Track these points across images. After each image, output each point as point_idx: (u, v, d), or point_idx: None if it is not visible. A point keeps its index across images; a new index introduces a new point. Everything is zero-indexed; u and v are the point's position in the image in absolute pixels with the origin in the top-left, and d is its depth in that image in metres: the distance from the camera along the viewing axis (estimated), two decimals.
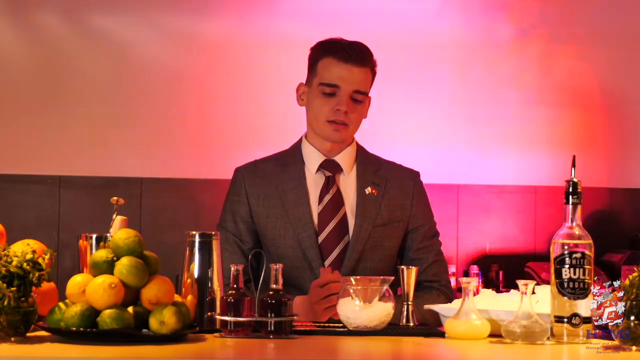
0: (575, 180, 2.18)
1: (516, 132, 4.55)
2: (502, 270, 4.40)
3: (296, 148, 2.90)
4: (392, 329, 2.30)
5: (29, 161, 4.30)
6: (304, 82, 2.89)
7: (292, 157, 2.89)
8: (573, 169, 2.21)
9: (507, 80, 4.54)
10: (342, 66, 2.79)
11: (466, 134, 4.52)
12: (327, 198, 2.82)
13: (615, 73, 4.60)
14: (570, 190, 2.18)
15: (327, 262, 2.76)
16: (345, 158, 2.86)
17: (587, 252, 2.15)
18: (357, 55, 2.80)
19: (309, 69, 2.87)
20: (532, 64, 4.56)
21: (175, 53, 4.37)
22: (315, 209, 2.81)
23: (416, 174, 2.95)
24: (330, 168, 2.85)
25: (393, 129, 4.31)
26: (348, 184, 2.85)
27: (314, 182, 2.84)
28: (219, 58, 4.40)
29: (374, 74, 2.85)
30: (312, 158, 2.86)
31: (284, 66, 4.33)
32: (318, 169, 2.85)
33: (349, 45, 2.83)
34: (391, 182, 2.88)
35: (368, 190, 2.84)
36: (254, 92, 4.39)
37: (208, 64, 4.39)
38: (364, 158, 2.91)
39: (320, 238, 2.78)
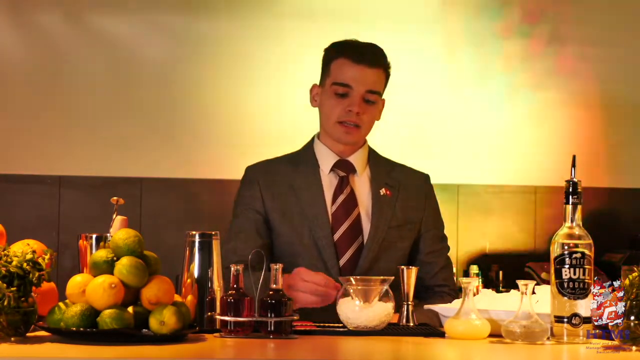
0: (575, 180, 2.18)
1: (516, 132, 4.55)
2: (502, 270, 4.39)
3: (309, 148, 2.89)
4: (392, 329, 2.30)
5: (29, 161, 4.29)
6: (317, 83, 2.88)
7: (304, 157, 2.87)
8: (573, 169, 2.21)
9: (507, 81, 4.54)
10: (355, 67, 2.79)
11: (466, 134, 4.51)
12: (341, 198, 2.80)
13: (616, 73, 4.60)
14: (570, 190, 2.18)
15: (342, 262, 2.75)
16: (358, 159, 2.86)
17: (587, 252, 2.15)
18: (370, 56, 2.81)
19: (323, 69, 2.87)
20: (532, 64, 4.55)
21: (176, 53, 4.37)
22: (329, 208, 2.79)
23: (427, 177, 2.95)
24: (343, 168, 2.84)
25: (393, 129, 4.31)
26: (361, 185, 2.84)
27: (327, 182, 2.83)
28: (220, 58, 4.39)
29: (387, 75, 2.85)
30: (326, 158, 2.85)
31: (286, 66, 4.33)
32: (331, 169, 2.84)
33: (362, 47, 2.83)
34: (404, 184, 2.88)
35: (382, 191, 2.83)
36: (255, 93, 4.38)
37: (209, 64, 4.38)
38: (375, 160, 2.90)
39: (335, 237, 2.76)
